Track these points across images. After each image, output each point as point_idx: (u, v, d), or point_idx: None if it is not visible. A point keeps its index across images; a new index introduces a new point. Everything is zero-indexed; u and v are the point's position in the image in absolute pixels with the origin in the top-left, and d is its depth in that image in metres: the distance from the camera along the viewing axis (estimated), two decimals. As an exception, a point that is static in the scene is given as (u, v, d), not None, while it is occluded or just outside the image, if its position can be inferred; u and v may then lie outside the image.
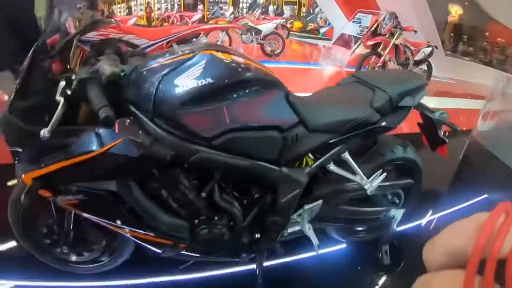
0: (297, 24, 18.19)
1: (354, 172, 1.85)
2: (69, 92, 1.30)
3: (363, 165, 1.90)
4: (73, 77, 1.32)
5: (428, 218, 2.83)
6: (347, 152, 1.79)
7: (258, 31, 8.85)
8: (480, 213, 0.34)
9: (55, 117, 1.25)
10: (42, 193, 1.47)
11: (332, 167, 1.77)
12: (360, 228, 2.37)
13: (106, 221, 1.56)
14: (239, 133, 1.44)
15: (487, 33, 12.10)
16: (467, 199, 3.15)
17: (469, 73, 9.74)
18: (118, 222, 1.56)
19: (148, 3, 18.88)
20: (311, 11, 17.69)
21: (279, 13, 16.87)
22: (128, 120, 1.36)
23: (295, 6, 20.91)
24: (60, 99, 1.28)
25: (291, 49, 11.61)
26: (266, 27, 8.88)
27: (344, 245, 2.40)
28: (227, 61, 1.45)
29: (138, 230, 1.59)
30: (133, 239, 1.66)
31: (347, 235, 2.34)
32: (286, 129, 1.54)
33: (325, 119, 1.65)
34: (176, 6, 17.69)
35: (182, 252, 1.74)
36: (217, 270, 2.11)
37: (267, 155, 1.55)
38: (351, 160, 1.82)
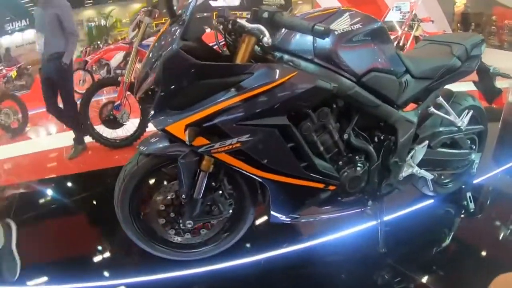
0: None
1: (449, 113, 2.17)
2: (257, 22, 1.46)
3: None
4: (261, 13, 1.48)
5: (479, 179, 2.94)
6: (440, 97, 2.13)
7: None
8: None
9: (265, 31, 1.41)
10: (196, 143, 1.48)
11: (432, 109, 2.10)
12: (446, 180, 2.62)
13: (263, 167, 1.60)
14: (377, 73, 1.75)
15: (494, 17, 12.32)
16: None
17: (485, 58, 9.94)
18: (277, 165, 1.61)
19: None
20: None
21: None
22: (284, 65, 1.56)
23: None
24: (258, 25, 1.43)
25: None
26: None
27: (432, 201, 2.61)
28: (363, 14, 1.77)
29: (295, 174, 1.67)
30: (272, 197, 1.72)
31: (436, 188, 2.54)
32: (399, 75, 1.87)
33: (423, 67, 1.98)
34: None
35: (317, 206, 1.93)
36: (338, 233, 2.26)
37: (390, 96, 1.84)
38: (445, 102, 2.16)
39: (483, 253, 2.17)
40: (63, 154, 4.36)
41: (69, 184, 3.59)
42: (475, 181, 2.71)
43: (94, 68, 9.16)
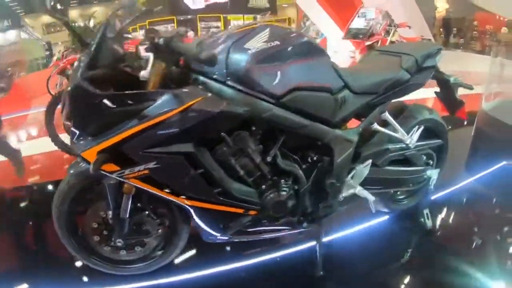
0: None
1: (396, 130, 2.06)
2: (155, 49, 1.43)
3: (400, 127, 2.10)
4: (156, 39, 1.42)
5: (450, 189, 2.94)
6: (386, 112, 2.01)
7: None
8: None
9: (149, 64, 1.41)
10: (106, 169, 1.46)
11: (376, 126, 1.98)
12: (401, 196, 2.52)
13: (175, 192, 1.57)
14: (302, 92, 1.62)
15: (476, 22, 12.41)
16: (486, 168, 3.29)
17: (463, 63, 9.96)
18: (188, 191, 1.57)
19: (143, 35, 19.31)
20: (302, 25, 17.99)
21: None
22: (198, 86, 1.49)
23: (286, 23, 21.33)
24: (149, 54, 1.42)
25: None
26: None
27: (387, 217, 2.52)
28: (287, 28, 1.70)
29: (209, 200, 1.62)
30: (197, 216, 1.69)
31: (390, 204, 2.45)
32: (335, 91, 1.75)
33: (365, 81, 1.87)
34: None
35: (244, 229, 1.83)
36: (274, 253, 2.16)
37: (323, 115, 1.73)
38: (391, 118, 2.03)
39: (434, 275, 2.06)
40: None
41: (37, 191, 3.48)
42: (442, 194, 2.69)
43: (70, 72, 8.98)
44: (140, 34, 19.69)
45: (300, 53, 1.64)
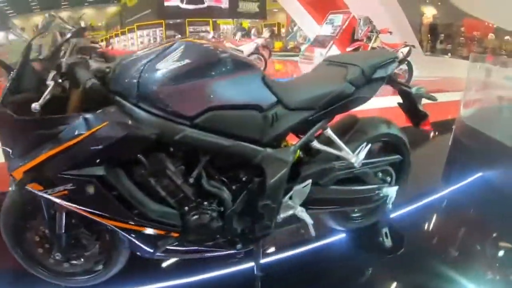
0: (278, 44, 18.52)
1: (339, 148, 1.90)
2: (59, 77, 1.39)
3: (348, 144, 1.96)
4: (62, 64, 1.39)
5: (425, 201, 2.86)
6: (329, 128, 1.86)
7: (240, 52, 9.02)
8: None
9: (44, 94, 1.35)
10: (33, 188, 1.47)
11: (316, 144, 1.83)
12: (356, 214, 2.39)
13: (97, 213, 1.55)
14: (219, 111, 1.52)
15: (463, 28, 12.39)
16: (462, 179, 3.23)
17: (451, 69, 9.94)
18: (107, 212, 1.54)
19: (131, 39, 19.32)
20: (290, 30, 18.01)
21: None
22: (112, 108, 1.43)
23: (275, 28, 21.30)
24: (50, 83, 1.37)
25: (274, 69, 11.76)
26: (247, 47, 9.08)
27: (343, 235, 2.39)
28: (204, 44, 1.60)
29: (128, 221, 1.58)
30: (125, 234, 1.66)
31: (344, 223, 2.33)
32: (266, 108, 1.62)
33: (302, 96, 1.73)
34: (158, 38, 18.12)
35: (175, 248, 1.75)
36: (214, 272, 2.06)
37: (250, 134, 1.61)
38: (334, 135, 1.87)
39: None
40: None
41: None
42: (417, 205, 2.68)
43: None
44: (126, 38, 19.80)
45: (217, 70, 1.54)
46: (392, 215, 2.55)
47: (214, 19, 19.11)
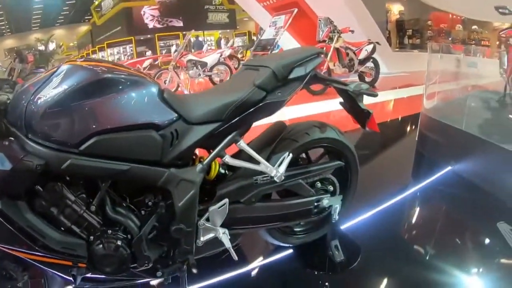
0: (248, 53, 18.44)
1: (257, 162, 1.73)
2: None
3: (274, 155, 1.79)
4: None
5: (393, 200, 2.71)
6: (242, 140, 1.68)
7: (204, 64, 8.87)
8: None
9: None
10: None
11: (228, 159, 1.66)
12: (300, 229, 2.20)
13: (3, 246, 1.49)
14: (106, 135, 1.41)
15: (430, 22, 12.45)
16: (432, 175, 3.12)
17: (420, 63, 9.88)
18: (12, 244, 1.48)
19: (102, 56, 19.15)
20: (259, 37, 17.96)
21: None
22: (8, 140, 1.39)
23: (245, 37, 21.27)
24: None
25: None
26: (211, 58, 8.93)
27: (290, 251, 2.18)
28: (85, 67, 1.47)
29: (34, 253, 1.50)
30: (38, 265, 1.57)
31: (287, 238, 2.14)
32: (164, 126, 1.49)
33: (205, 108, 1.59)
34: (128, 55, 17.97)
35: (95, 276, 1.65)
36: None
37: (148, 156, 1.49)
38: (247, 147, 1.70)
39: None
40: None
41: None
42: (387, 204, 2.56)
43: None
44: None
45: (100, 92, 1.42)
46: (351, 223, 2.37)
47: (184, 32, 18.99)
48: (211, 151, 1.64)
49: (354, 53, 7.10)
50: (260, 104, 1.65)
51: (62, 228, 1.52)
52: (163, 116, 1.49)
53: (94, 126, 1.40)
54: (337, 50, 6.91)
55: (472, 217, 2.53)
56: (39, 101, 1.38)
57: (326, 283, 2.00)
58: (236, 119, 1.62)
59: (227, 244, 1.69)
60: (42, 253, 1.51)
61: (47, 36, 25.59)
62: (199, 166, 1.59)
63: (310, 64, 1.77)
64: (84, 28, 28.11)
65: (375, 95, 1.99)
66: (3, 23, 25.25)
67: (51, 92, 1.39)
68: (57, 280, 1.76)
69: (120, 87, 1.46)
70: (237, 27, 21.92)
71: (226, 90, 1.75)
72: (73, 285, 1.65)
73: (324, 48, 6.77)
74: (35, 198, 1.48)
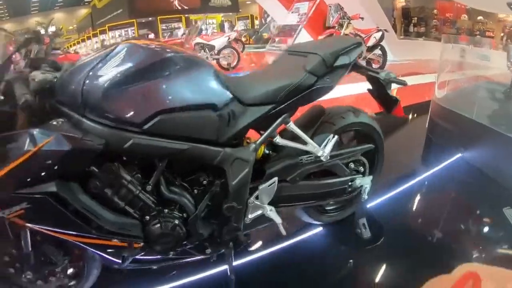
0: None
1: (305, 142, 1.81)
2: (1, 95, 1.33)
3: (315, 136, 1.88)
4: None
5: (406, 185, 2.83)
6: (291, 122, 1.75)
7: (212, 47, 8.86)
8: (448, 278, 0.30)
9: None
10: None
11: (279, 140, 1.73)
12: (331, 207, 2.32)
13: (56, 230, 1.48)
14: (169, 114, 1.43)
15: (435, 10, 12.42)
16: (442, 161, 3.21)
17: (425, 51, 9.95)
18: (65, 228, 1.48)
19: (103, 40, 18.99)
20: (263, 22, 17.83)
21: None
22: (60, 120, 1.37)
23: (248, 20, 21.14)
24: None
25: (249, 61, 11.60)
26: (218, 41, 8.91)
27: (320, 229, 2.31)
28: (146, 46, 1.49)
29: (88, 236, 1.50)
30: (89, 248, 1.59)
31: (320, 216, 2.26)
32: (221, 106, 1.53)
33: (259, 90, 1.64)
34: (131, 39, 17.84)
35: (143, 257, 1.68)
36: (188, 278, 1.96)
37: (206, 135, 1.53)
38: (297, 129, 1.77)
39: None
40: None
41: None
42: (398, 190, 2.66)
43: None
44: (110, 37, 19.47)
45: (163, 71, 1.45)
46: (370, 205, 2.49)
47: (186, 15, 18.86)
48: (261, 132, 1.72)
49: (363, 39, 7.13)
50: (311, 89, 1.73)
51: (115, 209, 1.53)
52: (220, 96, 1.53)
53: (159, 105, 1.41)
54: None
55: (479, 202, 2.65)
56: (99, 80, 1.37)
57: (356, 258, 2.12)
58: (288, 102, 1.69)
59: (278, 220, 1.78)
60: (96, 236, 1.51)
61: (48, 20, 25.28)
62: (252, 146, 1.65)
63: (353, 53, 1.87)
64: (84, 11, 27.76)
65: (404, 84, 2.10)
66: (1, 7, 24.91)
67: (113, 70, 1.38)
68: (96, 263, 1.79)
69: (183, 67, 1.49)
70: (239, 10, 21.74)
71: (276, 73, 1.81)
72: (119, 266, 1.67)
73: (334, 35, 6.82)
74: (89, 179, 1.47)
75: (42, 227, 1.48)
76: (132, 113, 1.39)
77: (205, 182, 1.63)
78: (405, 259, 2.05)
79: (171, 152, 1.46)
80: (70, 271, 1.86)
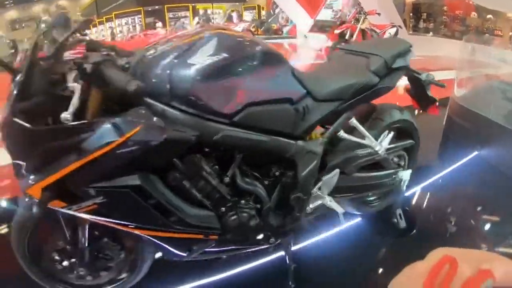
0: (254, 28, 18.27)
1: (363, 137, 1.91)
2: (84, 79, 1.26)
3: (370, 131, 1.99)
4: (85, 64, 1.24)
5: (424, 183, 2.95)
6: (353, 118, 1.85)
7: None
8: (424, 264, 0.37)
9: (73, 101, 1.22)
10: (54, 205, 1.35)
11: (342, 134, 1.82)
12: (372, 198, 2.43)
13: (130, 224, 1.46)
14: (256, 107, 1.46)
15: (445, 7, 12.40)
16: (459, 159, 3.31)
17: (434, 48, 9.96)
18: (143, 222, 1.46)
19: (111, 28, 18.90)
20: (272, 13, 17.73)
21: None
22: (143, 110, 1.31)
23: (255, 10, 20.99)
24: (75, 85, 1.25)
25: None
26: (233, 32, 8.93)
27: (359, 219, 2.47)
28: (237, 37, 1.51)
29: (165, 229, 1.50)
30: (158, 242, 1.58)
31: (362, 207, 2.38)
32: (296, 101, 1.59)
33: (330, 87, 1.72)
34: (138, 26, 17.77)
35: (208, 249, 1.70)
36: (245, 266, 2.05)
37: (283, 128, 1.58)
38: (359, 125, 1.88)
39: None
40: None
41: None
42: (416, 188, 2.78)
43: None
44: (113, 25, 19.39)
45: (253, 64, 1.47)
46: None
47: (193, 4, 18.73)
48: (326, 126, 1.81)
49: (378, 35, 7.19)
50: (374, 88, 1.84)
51: (192, 202, 1.52)
52: (296, 91, 1.60)
53: (249, 97, 1.43)
54: (362, 31, 7.00)
55: (494, 199, 2.80)
56: (191, 69, 1.34)
57: (396, 246, 2.29)
58: (354, 99, 1.80)
59: (339, 209, 1.89)
60: (175, 230, 1.50)
61: (53, 7, 25.02)
62: (321, 139, 1.74)
63: (407, 57, 2.01)
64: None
65: (443, 86, 2.24)
66: (5, -6, 24.60)
67: (206, 60, 1.35)
68: (150, 255, 1.80)
69: (270, 61, 1.53)
70: (246, 0, 21.62)
71: (341, 72, 1.89)
72: (181, 259, 1.69)
73: (349, 29, 6.87)
74: (169, 171, 1.45)
75: (113, 221, 1.44)
76: (224, 104, 1.39)
77: (277, 173, 1.68)
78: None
79: (254, 144, 1.49)
80: (122, 264, 1.85)
